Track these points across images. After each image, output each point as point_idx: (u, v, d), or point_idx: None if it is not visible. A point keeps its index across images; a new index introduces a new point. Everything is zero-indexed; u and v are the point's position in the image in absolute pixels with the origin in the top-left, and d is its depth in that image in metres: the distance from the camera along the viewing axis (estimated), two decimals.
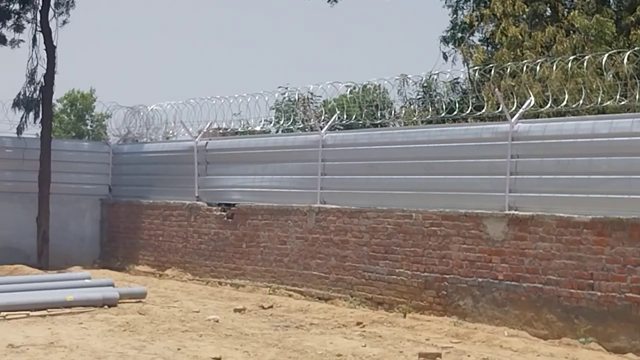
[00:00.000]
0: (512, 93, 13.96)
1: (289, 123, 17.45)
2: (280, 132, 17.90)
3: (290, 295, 15.02)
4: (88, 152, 21.43)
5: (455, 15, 22.81)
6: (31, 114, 19.57)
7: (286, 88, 19.75)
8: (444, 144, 13.58)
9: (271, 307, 13.82)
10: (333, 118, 16.00)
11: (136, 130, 21.12)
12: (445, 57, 22.36)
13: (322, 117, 16.66)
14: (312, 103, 20.22)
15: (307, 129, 17.42)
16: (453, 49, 22.31)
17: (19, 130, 19.57)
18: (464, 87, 18.49)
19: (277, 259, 15.74)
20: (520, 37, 19.10)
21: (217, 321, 12.24)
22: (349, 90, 16.66)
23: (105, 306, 13.30)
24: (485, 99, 14.73)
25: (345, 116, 16.09)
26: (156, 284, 16.71)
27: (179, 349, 10.10)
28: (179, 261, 18.09)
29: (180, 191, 18.54)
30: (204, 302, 14.51)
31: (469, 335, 11.43)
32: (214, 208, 17.40)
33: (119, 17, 75.09)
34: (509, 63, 15.58)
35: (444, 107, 15.22)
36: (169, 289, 16.12)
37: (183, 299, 14.81)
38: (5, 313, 12.23)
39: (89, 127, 35.98)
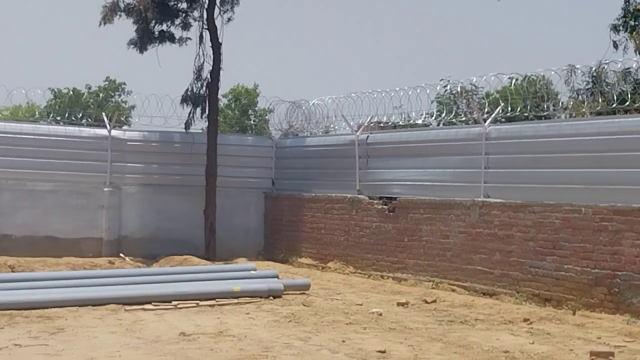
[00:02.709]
0: None
1: (451, 116, 17.24)
2: (441, 125, 17.70)
3: (453, 290, 14.83)
4: (252, 147, 21.90)
5: (627, 3, 21.90)
6: (198, 110, 20.15)
7: (448, 80, 19.51)
8: (614, 136, 13.02)
9: (434, 301, 13.70)
10: (497, 110, 15.67)
11: (297, 125, 21.42)
12: (616, 46, 21.51)
13: (486, 110, 16.34)
14: (474, 95, 19.89)
15: (469, 122, 17.17)
16: (624, 37, 21.43)
17: (187, 125, 20.20)
18: (636, 76, 17.71)
19: (440, 253, 15.58)
20: None
21: (381, 314, 12.24)
22: (513, 81, 16.29)
23: (271, 297, 13.57)
24: None
25: (509, 108, 15.72)
26: (319, 277, 16.90)
27: (343, 341, 10.16)
28: (340, 254, 18.21)
29: (341, 184, 18.67)
30: (366, 295, 14.56)
31: None
32: (375, 201, 17.41)
33: (282, 12, 76.30)
34: None
35: (614, 97, 14.60)
36: (332, 282, 16.27)
37: (346, 291, 14.92)
38: (176, 302, 12.67)
39: (252, 122, 36.73)
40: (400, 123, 18.30)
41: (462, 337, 10.61)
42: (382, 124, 18.96)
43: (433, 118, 17.86)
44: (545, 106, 15.41)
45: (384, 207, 17.09)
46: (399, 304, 13.35)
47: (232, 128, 36.84)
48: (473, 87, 19.58)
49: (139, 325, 10.99)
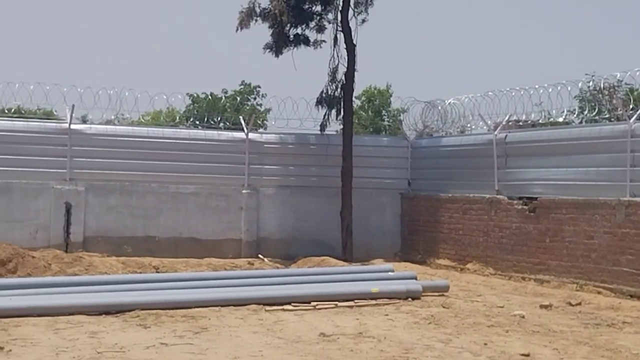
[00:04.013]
0: None
1: (594, 113, 16.71)
2: (584, 122, 17.19)
3: (599, 292, 14.35)
4: (387, 147, 21.87)
5: None
6: (333, 111, 20.25)
7: (592, 76, 18.95)
8: None
9: (579, 304, 13.29)
10: None
11: (432, 125, 21.24)
12: None
13: (630, 106, 15.74)
14: (619, 91, 19.22)
15: (613, 119, 16.59)
16: None
17: (322, 127, 20.34)
18: None
19: (584, 254, 15.10)
20: None
21: (523, 317, 11.96)
22: None
23: (409, 299, 13.45)
24: None
25: None
26: (458, 278, 16.69)
27: (485, 344, 9.96)
28: (479, 255, 17.91)
29: (479, 185, 18.39)
30: (507, 297, 14.27)
31: None
32: (515, 202, 17.04)
33: (415, 11, 75.84)
34: None
35: None
36: (471, 283, 16.03)
37: (486, 293, 14.66)
38: (315, 303, 12.72)
39: (385, 123, 36.70)
40: (540, 121, 17.86)
41: (609, 341, 10.25)
42: (520, 123, 18.55)
43: (575, 115, 17.37)
44: None
45: (524, 207, 16.70)
46: (542, 307, 13.00)
47: (366, 129, 36.88)
48: (617, 83, 18.96)
49: (279, 326, 11.09)
